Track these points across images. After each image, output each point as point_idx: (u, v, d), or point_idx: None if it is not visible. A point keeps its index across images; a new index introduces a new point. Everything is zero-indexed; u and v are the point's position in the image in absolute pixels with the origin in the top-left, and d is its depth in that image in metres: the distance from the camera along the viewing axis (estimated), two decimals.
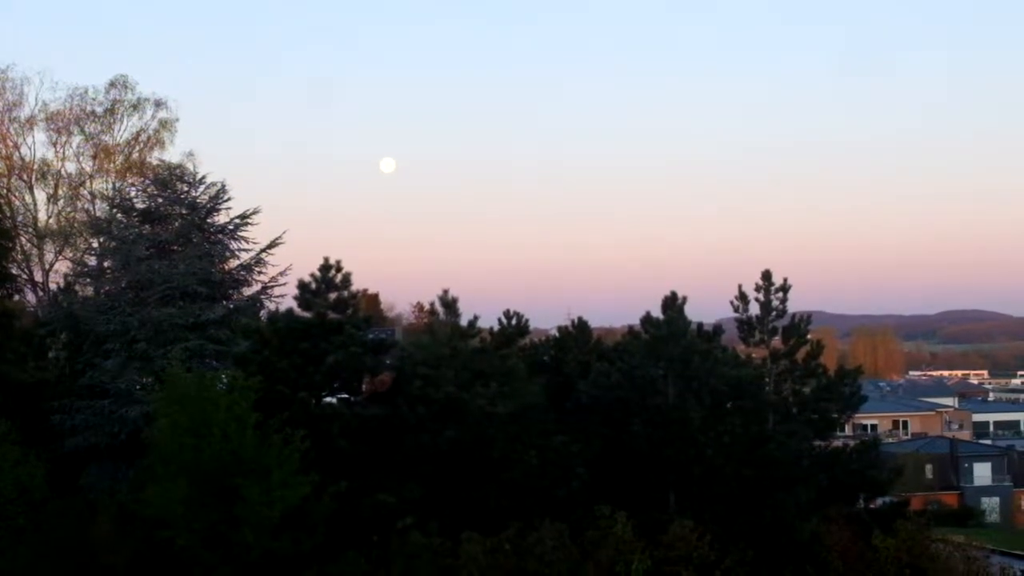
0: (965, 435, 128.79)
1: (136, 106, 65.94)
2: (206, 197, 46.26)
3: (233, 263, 46.50)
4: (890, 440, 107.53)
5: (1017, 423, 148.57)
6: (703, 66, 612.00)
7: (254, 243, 46.71)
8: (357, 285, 39.52)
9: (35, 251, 63.25)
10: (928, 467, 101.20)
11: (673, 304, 43.18)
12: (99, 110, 65.43)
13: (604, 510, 37.89)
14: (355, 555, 34.44)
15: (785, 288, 44.40)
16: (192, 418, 32.59)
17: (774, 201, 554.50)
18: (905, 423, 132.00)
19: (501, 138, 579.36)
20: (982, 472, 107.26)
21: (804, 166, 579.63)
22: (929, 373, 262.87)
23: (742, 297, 44.67)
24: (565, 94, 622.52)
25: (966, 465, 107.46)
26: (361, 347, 37.75)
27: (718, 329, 45.27)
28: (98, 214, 58.38)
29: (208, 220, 46.24)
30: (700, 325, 44.06)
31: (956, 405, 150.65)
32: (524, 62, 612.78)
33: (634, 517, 37.98)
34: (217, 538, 32.11)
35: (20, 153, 64.88)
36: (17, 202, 63.96)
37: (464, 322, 42.05)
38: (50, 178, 64.83)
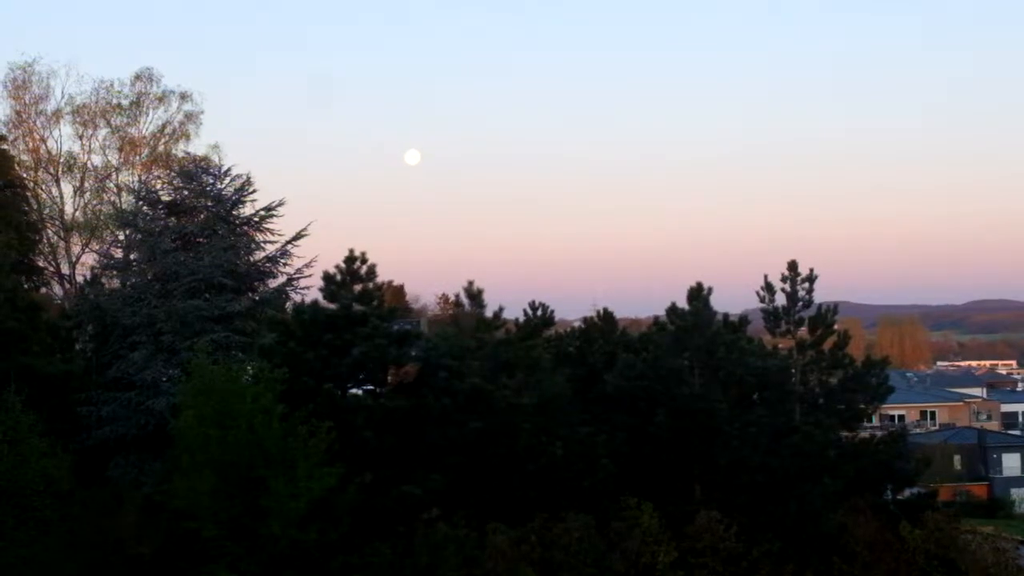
0: (994, 425, 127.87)
1: (161, 99, 66.38)
2: (231, 189, 46.33)
3: (258, 255, 46.62)
4: (918, 431, 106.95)
5: None
6: (728, 56, 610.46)
7: (279, 235, 46.85)
8: (382, 277, 39.57)
9: (61, 244, 63.65)
10: (956, 458, 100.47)
11: (699, 295, 43.10)
12: (125, 103, 65.91)
13: (630, 501, 37.89)
14: (380, 546, 34.46)
15: (811, 278, 44.25)
16: (218, 410, 32.66)
17: (800, 191, 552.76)
18: (933, 413, 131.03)
19: (526, 129, 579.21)
20: (1011, 463, 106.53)
21: (829, 156, 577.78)
22: (957, 363, 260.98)
23: (768, 287, 44.53)
24: (590, 85, 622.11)
25: (995, 456, 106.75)
26: (386, 339, 37.75)
27: (744, 319, 45.18)
28: (124, 207, 58.51)
29: (233, 212, 46.32)
30: (726, 316, 43.98)
31: (984, 395, 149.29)
32: (550, 53, 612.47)
33: (660, 508, 37.97)
34: (243, 529, 32.19)
35: (47, 146, 65.36)
36: (44, 195, 64.46)
37: (489, 313, 42.13)
38: (76, 171, 65.25)
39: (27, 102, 64.86)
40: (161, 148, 66.20)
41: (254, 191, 46.66)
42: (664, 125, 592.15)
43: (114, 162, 65.66)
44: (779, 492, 40.80)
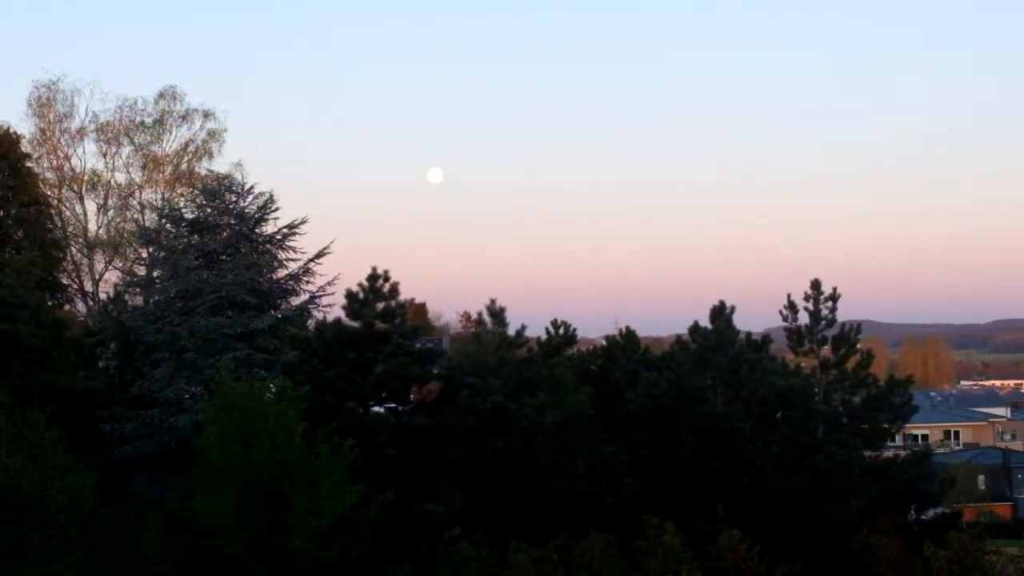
0: (1018, 445, 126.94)
1: (185, 117, 66.60)
2: (254, 207, 46.38)
3: (281, 273, 46.61)
4: (941, 451, 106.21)
5: None
6: (748, 72, 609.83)
7: (302, 253, 46.83)
8: (404, 294, 39.57)
9: (85, 261, 63.86)
10: (980, 478, 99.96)
11: (721, 313, 43.07)
12: (148, 121, 66.09)
13: (652, 520, 37.81)
14: (403, 564, 34.46)
15: (834, 297, 44.18)
16: (241, 427, 32.72)
17: (822, 209, 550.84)
18: (956, 433, 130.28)
19: (548, 146, 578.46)
20: None
21: (852, 174, 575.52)
22: (981, 383, 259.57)
23: (791, 306, 44.47)
24: (611, 102, 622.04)
25: (1019, 476, 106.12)
26: (409, 356, 37.76)
27: (767, 338, 45.12)
28: (147, 224, 58.66)
29: (256, 230, 46.34)
30: (749, 334, 43.95)
31: (1008, 415, 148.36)
32: (573, 71, 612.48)
33: (683, 527, 37.88)
34: (265, 547, 32.21)
35: (70, 164, 65.61)
36: (67, 213, 64.70)
37: (511, 331, 42.14)
38: (100, 189, 65.46)
39: (51, 120, 65.15)
40: (184, 166, 66.40)
41: (277, 209, 46.72)
42: (688, 143, 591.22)
43: (138, 180, 65.88)
44: (802, 512, 40.67)
